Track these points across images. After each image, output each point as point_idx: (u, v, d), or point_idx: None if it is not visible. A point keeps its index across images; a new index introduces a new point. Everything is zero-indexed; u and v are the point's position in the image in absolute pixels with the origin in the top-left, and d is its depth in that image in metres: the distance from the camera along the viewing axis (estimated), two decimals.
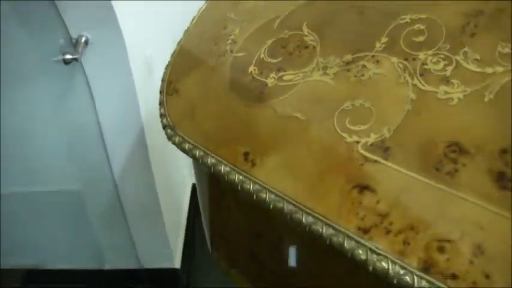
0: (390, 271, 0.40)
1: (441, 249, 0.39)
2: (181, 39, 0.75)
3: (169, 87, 0.68)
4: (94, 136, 1.09)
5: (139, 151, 1.11)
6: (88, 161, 1.16)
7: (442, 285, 0.38)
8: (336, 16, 0.60)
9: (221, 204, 0.66)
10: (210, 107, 0.62)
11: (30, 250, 1.41)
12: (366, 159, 0.46)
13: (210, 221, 0.73)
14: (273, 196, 0.48)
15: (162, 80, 0.71)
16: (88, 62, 0.98)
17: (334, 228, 0.44)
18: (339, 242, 0.43)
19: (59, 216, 1.31)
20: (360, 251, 0.42)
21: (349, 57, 0.54)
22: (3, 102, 1.08)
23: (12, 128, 1.13)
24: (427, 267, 0.39)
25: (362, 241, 0.42)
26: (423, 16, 0.52)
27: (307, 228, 0.45)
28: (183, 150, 0.60)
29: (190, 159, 0.61)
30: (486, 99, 0.44)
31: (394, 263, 0.40)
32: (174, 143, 0.61)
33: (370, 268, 0.41)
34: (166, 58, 0.74)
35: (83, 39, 0.96)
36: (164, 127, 0.64)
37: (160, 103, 0.67)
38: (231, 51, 0.65)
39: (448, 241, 0.39)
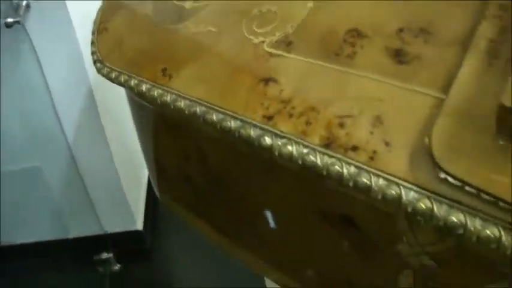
0: (294, 152, 0.41)
1: (341, 125, 0.40)
2: None
3: (100, 26, 0.70)
4: (46, 104, 1.09)
5: (91, 114, 1.11)
6: (43, 132, 1.16)
7: (344, 158, 0.39)
8: None
9: (154, 136, 0.67)
10: (135, 38, 0.64)
11: None
12: (271, 54, 0.48)
13: (149, 160, 0.75)
14: (187, 102, 0.50)
15: (94, 23, 0.72)
16: (31, 26, 0.98)
17: (241, 121, 0.45)
18: (246, 133, 0.44)
19: (20, 192, 1.30)
20: (266, 137, 0.43)
21: None
22: None
23: None
24: (328, 143, 0.40)
25: (266, 127, 0.43)
26: None
27: (218, 126, 0.47)
28: (111, 80, 0.61)
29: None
30: None
31: (297, 143, 0.41)
32: (103, 75, 0.63)
33: (276, 153, 0.43)
34: None
35: (24, 3, 0.97)
36: (94, 62, 0.65)
37: (92, 43, 0.68)
38: None
39: (348, 116, 0.40)
